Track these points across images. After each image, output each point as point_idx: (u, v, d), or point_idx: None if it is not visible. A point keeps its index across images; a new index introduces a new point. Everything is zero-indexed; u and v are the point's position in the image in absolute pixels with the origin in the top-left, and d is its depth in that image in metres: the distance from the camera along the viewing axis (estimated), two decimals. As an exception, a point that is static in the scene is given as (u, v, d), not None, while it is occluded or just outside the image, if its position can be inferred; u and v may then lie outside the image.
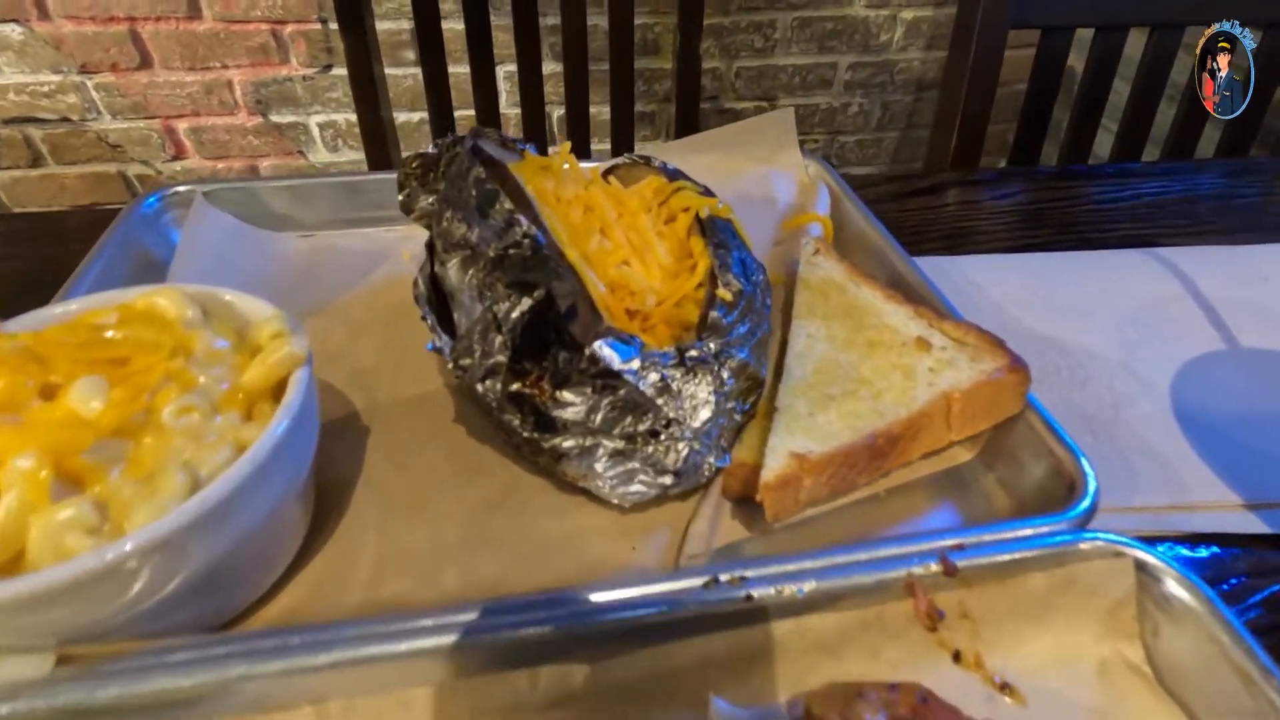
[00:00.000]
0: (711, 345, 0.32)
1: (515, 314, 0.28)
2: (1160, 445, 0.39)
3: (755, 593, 0.27)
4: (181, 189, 0.51)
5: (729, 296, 0.34)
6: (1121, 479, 0.38)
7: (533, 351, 0.29)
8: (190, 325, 0.29)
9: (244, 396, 0.27)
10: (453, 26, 1.14)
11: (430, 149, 0.42)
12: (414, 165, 0.43)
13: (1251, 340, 0.45)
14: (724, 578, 0.27)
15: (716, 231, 0.38)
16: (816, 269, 0.43)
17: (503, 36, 1.05)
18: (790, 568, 0.28)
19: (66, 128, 1.64)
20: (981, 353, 0.36)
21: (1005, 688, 0.28)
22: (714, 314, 0.33)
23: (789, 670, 0.28)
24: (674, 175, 0.44)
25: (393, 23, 1.54)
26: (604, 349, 0.31)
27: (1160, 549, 0.29)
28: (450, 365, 0.30)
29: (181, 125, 1.69)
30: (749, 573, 0.27)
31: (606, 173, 0.50)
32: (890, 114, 1.98)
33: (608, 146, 1.14)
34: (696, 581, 0.27)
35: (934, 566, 0.28)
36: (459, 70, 1.07)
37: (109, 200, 1.78)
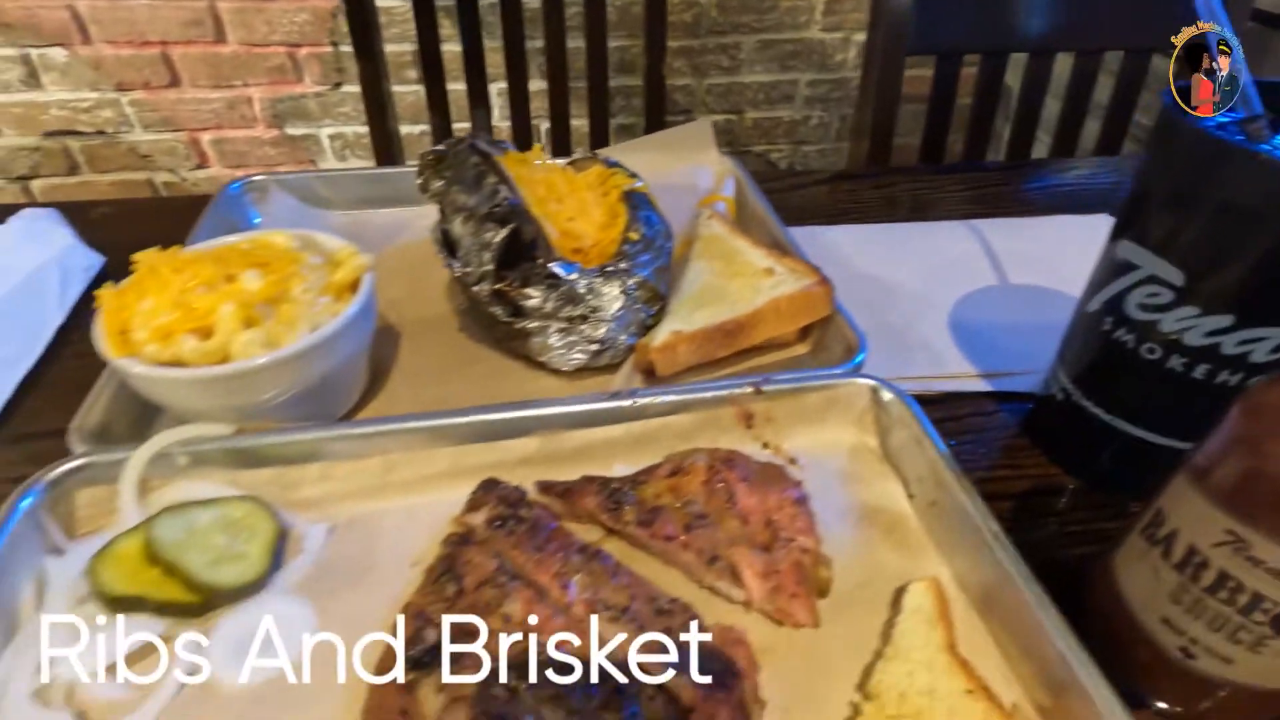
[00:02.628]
0: (622, 265, 0.51)
1: (497, 239, 0.47)
2: (934, 343, 0.58)
3: (637, 400, 0.45)
4: (258, 178, 0.70)
5: (636, 237, 0.53)
6: (903, 363, 0.57)
7: (509, 265, 0.48)
8: (296, 249, 0.48)
9: (334, 288, 0.46)
10: (451, 49, 1.33)
11: (441, 146, 0.61)
12: (429, 157, 0.62)
13: (1019, 279, 0.64)
14: (621, 393, 0.46)
15: (634, 200, 0.57)
16: (708, 227, 0.62)
17: (496, 57, 1.24)
18: (664, 392, 0.46)
19: (101, 140, 1.82)
20: (804, 276, 0.55)
21: (792, 461, 0.47)
22: (624, 247, 0.52)
23: (663, 448, 0.46)
24: (612, 165, 0.63)
25: (397, 45, 1.73)
26: (554, 267, 0.50)
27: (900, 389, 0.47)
28: (456, 274, 0.49)
29: (205, 137, 1.87)
30: (638, 394, 0.46)
31: (568, 164, 0.69)
32: (847, 126, 2.18)
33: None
34: (604, 395, 0.46)
35: (749, 389, 0.47)
36: (457, 87, 1.25)
37: (137, 205, 1.96)
